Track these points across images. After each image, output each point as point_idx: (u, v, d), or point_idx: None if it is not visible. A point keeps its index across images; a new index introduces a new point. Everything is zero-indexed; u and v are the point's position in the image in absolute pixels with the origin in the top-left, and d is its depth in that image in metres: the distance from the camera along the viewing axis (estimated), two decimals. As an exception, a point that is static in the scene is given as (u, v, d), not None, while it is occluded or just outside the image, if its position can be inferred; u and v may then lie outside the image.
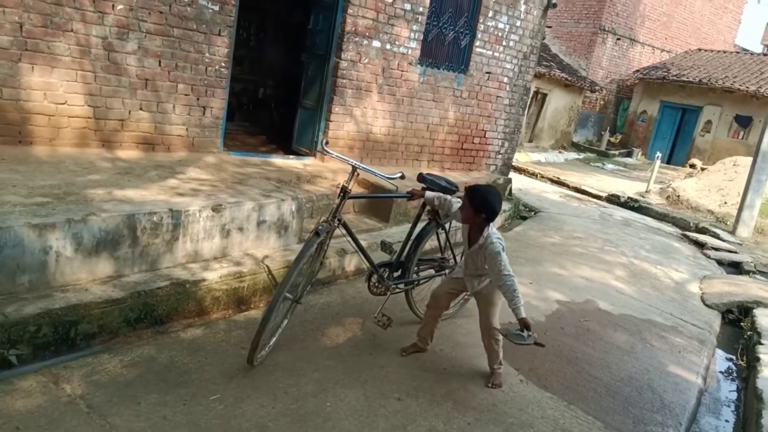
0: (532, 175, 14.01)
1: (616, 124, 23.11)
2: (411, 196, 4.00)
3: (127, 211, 3.71)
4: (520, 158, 14.86)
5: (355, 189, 6.00)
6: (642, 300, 5.97)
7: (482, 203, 3.38)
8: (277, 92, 9.22)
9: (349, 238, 3.72)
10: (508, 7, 7.76)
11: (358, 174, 3.56)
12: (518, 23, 8.00)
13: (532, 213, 9.41)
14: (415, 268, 4.23)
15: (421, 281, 4.38)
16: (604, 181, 14.54)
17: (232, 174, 5.23)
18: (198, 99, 5.30)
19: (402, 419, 3.15)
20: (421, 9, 6.72)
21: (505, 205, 8.46)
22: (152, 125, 5.09)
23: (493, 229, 3.48)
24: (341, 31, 6.15)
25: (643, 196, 12.48)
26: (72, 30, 4.38)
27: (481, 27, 7.50)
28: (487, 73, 7.89)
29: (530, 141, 18.32)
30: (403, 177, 3.73)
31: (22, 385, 2.84)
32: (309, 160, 6.59)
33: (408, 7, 6.57)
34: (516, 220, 8.70)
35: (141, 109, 4.96)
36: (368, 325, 4.14)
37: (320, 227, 3.39)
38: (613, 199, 12.11)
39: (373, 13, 6.29)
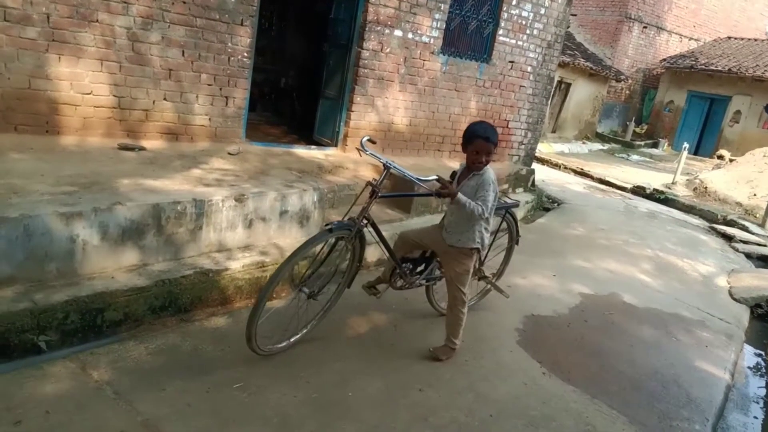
0: (555, 166, 13.84)
1: (642, 114, 22.69)
2: (439, 194, 3.81)
3: (152, 201, 3.74)
4: (543, 149, 14.69)
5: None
6: (668, 293, 5.87)
7: (493, 133, 3.40)
8: (298, 82, 9.22)
9: (377, 239, 3.63)
10: (533, -5, 7.63)
11: (390, 173, 3.48)
12: (542, 11, 7.87)
13: (555, 204, 9.30)
14: (438, 264, 4.18)
15: (443, 277, 4.33)
16: (629, 172, 14.31)
17: (254, 164, 5.25)
18: (221, 89, 5.32)
19: (423, 410, 3.14)
20: (443, -3, 6.65)
21: (528, 197, 8.38)
22: (176, 115, 5.12)
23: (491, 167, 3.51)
24: (363, 21, 6.12)
25: (669, 188, 12.25)
26: (97, 20, 4.42)
27: (504, 15, 7.40)
28: (510, 62, 7.79)
29: (553, 131, 18.08)
30: (438, 180, 3.55)
31: (51, 370, 2.89)
32: (330, 151, 6.59)
33: (431, -5, 6.50)
34: (539, 211, 8.60)
35: (165, 99, 5.00)
36: (389, 316, 4.13)
37: (334, 224, 3.29)
38: (638, 191, 11.91)
39: (395, 2, 6.23)
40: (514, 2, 7.44)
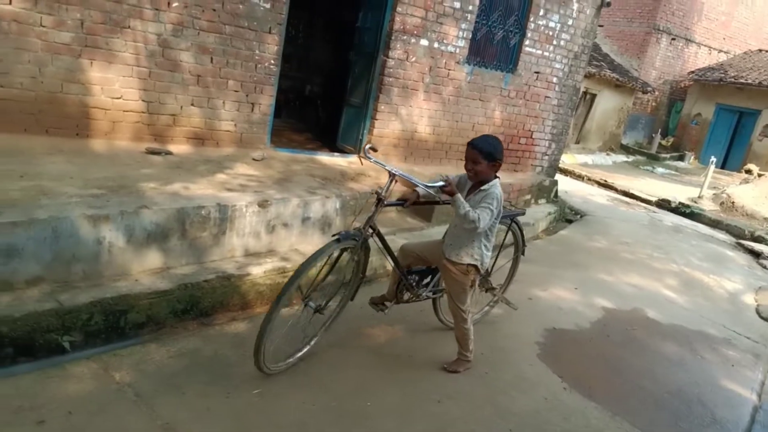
0: (579, 177, 13.70)
1: (668, 126, 22.38)
2: (441, 190, 3.68)
3: (177, 205, 3.79)
4: (567, 160, 14.56)
5: (398, 188, 6.01)
6: (693, 310, 5.76)
7: (496, 149, 3.27)
8: (323, 90, 9.29)
9: (383, 248, 3.52)
10: (560, 6, 7.59)
11: (396, 181, 3.40)
12: (570, 22, 7.83)
13: (578, 216, 9.20)
14: None
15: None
16: (653, 185, 14.10)
17: (278, 170, 5.29)
18: (247, 95, 5.38)
19: (441, 422, 3.12)
20: (470, 7, 6.64)
21: (551, 208, 8.30)
22: (202, 120, 5.19)
23: (498, 182, 3.37)
24: (389, 30, 6.14)
25: (695, 202, 12.04)
26: (129, 27, 4.51)
27: (531, 26, 7.37)
28: (535, 72, 7.74)
29: (577, 142, 17.92)
30: (445, 185, 3.28)
31: (74, 370, 2.93)
32: (353, 158, 6.61)
33: (457, 5, 6.50)
34: (561, 223, 8.51)
35: (192, 104, 5.07)
36: (407, 325, 4.11)
37: (342, 233, 3.21)
38: (663, 204, 11.72)
39: (422, 11, 6.25)
40: (541, 13, 7.41)
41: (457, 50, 6.76)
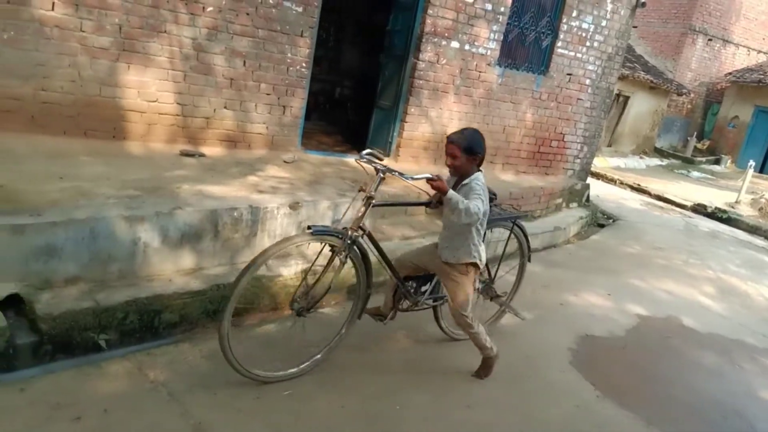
0: (611, 181, 13.46)
1: (704, 129, 21.83)
2: (430, 203, 3.42)
3: (210, 207, 3.84)
4: (598, 163, 14.32)
5: (428, 190, 5.98)
6: (731, 318, 5.60)
7: (475, 142, 3.13)
8: (353, 92, 9.32)
9: (375, 251, 3.29)
10: (594, 7, 7.48)
11: (384, 179, 3.17)
12: (604, 23, 7.70)
13: (611, 221, 9.04)
14: None
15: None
16: (688, 189, 13.77)
17: (308, 172, 5.33)
18: (279, 98, 5.43)
19: (472, 428, 3.09)
20: (502, 9, 6.59)
21: (582, 212, 8.17)
22: (235, 123, 5.26)
23: (482, 174, 3.22)
24: (420, 32, 6.13)
25: (732, 207, 11.72)
26: (165, 31, 4.59)
27: (564, 27, 7.27)
28: (568, 74, 7.64)
29: (609, 145, 17.61)
30: (432, 179, 2.97)
31: (109, 369, 2.99)
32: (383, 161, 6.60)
33: (489, 7, 6.46)
34: (593, 227, 8.37)
35: (225, 107, 5.14)
36: (434, 330, 4.08)
37: (317, 226, 3.01)
38: (699, 209, 11.44)
39: (453, 13, 6.22)
40: (574, 14, 7.30)
41: (488, 52, 6.71)
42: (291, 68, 5.38)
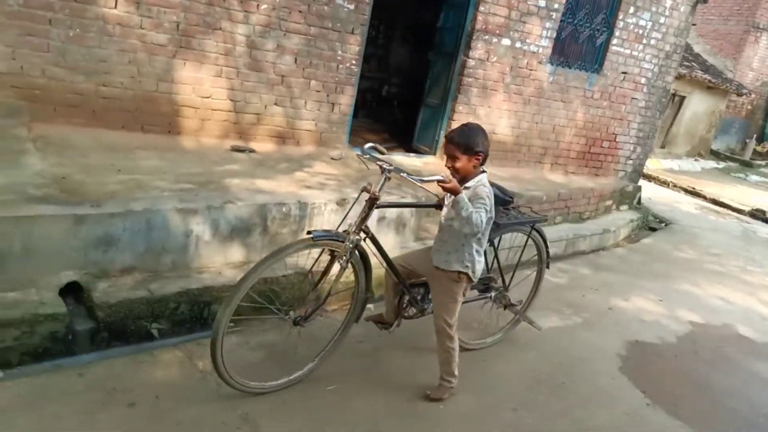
0: (664, 183, 13.03)
1: (764, 131, 20.87)
2: (440, 205, 3.21)
3: (260, 201, 3.90)
4: (651, 165, 13.87)
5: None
6: (792, 330, 5.34)
7: (475, 140, 2.84)
8: (400, 90, 9.31)
9: (380, 258, 3.11)
10: (653, 3, 7.24)
11: (389, 178, 2.96)
12: (662, 20, 7.45)
13: (663, 224, 8.75)
14: None
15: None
16: (746, 193, 13.21)
17: (355, 169, 5.35)
18: (328, 96, 5.47)
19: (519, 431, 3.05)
20: (556, 6, 6.45)
21: (633, 215, 7.95)
22: (285, 120, 5.33)
23: (486, 175, 2.95)
24: (471, 29, 6.07)
25: (795, 213, 11.17)
26: (220, 29, 4.69)
27: (620, 24, 7.07)
28: (622, 73, 7.43)
29: (662, 147, 17.04)
30: (444, 180, 2.79)
31: (161, 357, 3.09)
32: (429, 159, 6.59)
33: (542, 4, 6.34)
34: (644, 231, 8.13)
35: (276, 104, 5.21)
36: (480, 330, 4.05)
37: (318, 232, 2.86)
38: (757, 215, 10.95)
39: (506, 10, 6.13)
40: (631, 10, 7.09)
41: (540, 50, 6.58)
42: (341, 66, 5.41)
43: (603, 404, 3.45)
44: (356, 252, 2.97)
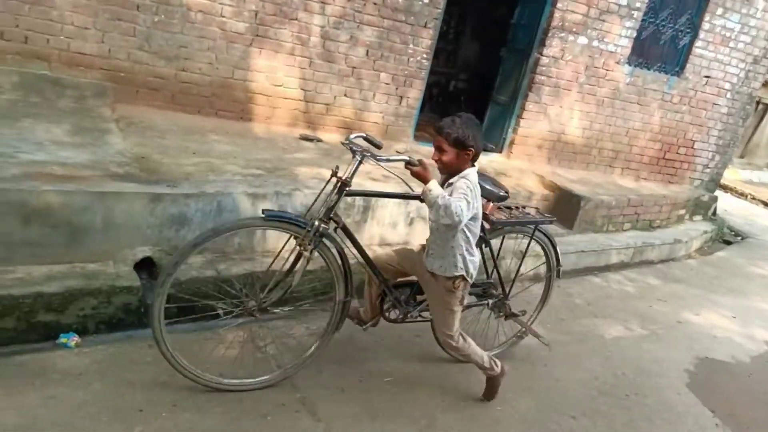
0: (741, 195, 12.33)
1: None
2: (412, 173, 2.65)
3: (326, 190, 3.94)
4: (728, 175, 13.12)
5: (540, 190, 5.80)
6: None
7: (467, 134, 2.52)
8: (467, 86, 9.21)
9: (353, 248, 2.82)
10: (743, 4, 6.84)
11: (362, 162, 2.64)
12: (752, 22, 7.03)
13: (739, 238, 8.28)
14: None
15: None
16: (835, 210, 12.31)
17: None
18: (397, 89, 5.48)
19: (577, 440, 2.96)
20: (638, 5, 6.20)
21: (707, 226, 7.56)
22: (353, 111, 5.37)
23: (474, 170, 2.63)
24: (546, 26, 5.92)
25: None
26: (297, 19, 4.77)
27: (705, 26, 6.72)
28: (705, 77, 7.06)
29: (741, 157, 16.11)
30: (412, 162, 2.56)
31: (225, 336, 3.16)
32: (494, 156, 6.48)
33: (624, 2, 6.10)
34: (718, 243, 7.72)
35: (345, 95, 5.26)
36: (542, 331, 3.95)
37: (273, 211, 2.62)
38: None
39: (584, 7, 5.94)
40: (719, 12, 6.73)
41: (618, 49, 6.35)
42: (411, 59, 5.40)
43: (669, 420, 3.30)
44: (328, 244, 2.69)
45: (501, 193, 3.13)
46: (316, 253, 2.67)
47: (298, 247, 2.64)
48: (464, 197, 2.45)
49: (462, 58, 9.25)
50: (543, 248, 3.52)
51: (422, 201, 2.55)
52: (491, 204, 3.12)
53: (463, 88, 9.25)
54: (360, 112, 5.41)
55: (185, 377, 2.65)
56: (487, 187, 3.04)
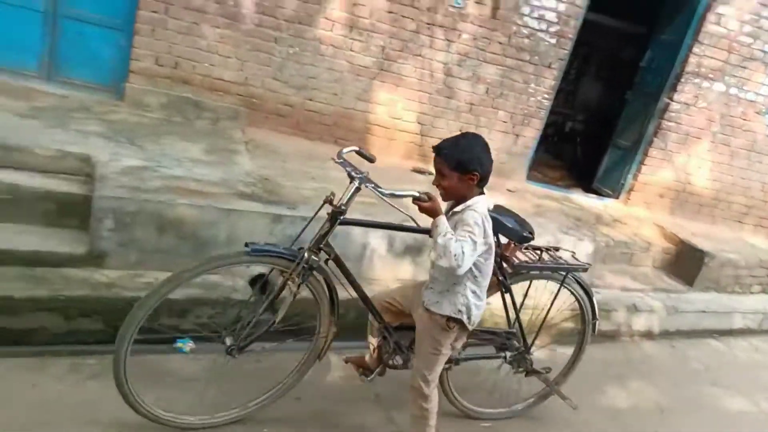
0: None
1: None
2: (419, 207, 2.33)
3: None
4: None
5: (659, 242, 5.45)
6: None
7: (469, 156, 2.24)
8: (584, 127, 8.94)
9: (347, 283, 2.59)
10: None
11: (360, 189, 2.46)
12: None
13: None
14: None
15: (462, 359, 2.85)
16: None
17: (531, 204, 5.23)
18: (513, 127, 5.44)
19: None
20: (785, 51, 5.76)
21: None
22: (467, 147, 5.38)
23: (484, 198, 2.33)
24: (680, 71, 5.64)
25: None
26: (421, 55, 4.92)
27: None
28: None
29: None
30: (420, 198, 2.27)
31: (328, 358, 3.16)
32: (610, 202, 6.22)
33: (768, 48, 5.69)
34: None
35: (460, 131, 5.28)
36: (653, 395, 3.68)
37: (258, 245, 2.31)
38: None
39: (724, 53, 5.61)
40: None
41: (759, 98, 5.90)
42: (532, 98, 5.36)
43: None
44: (316, 276, 2.46)
45: (525, 233, 2.73)
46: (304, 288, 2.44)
47: (282, 279, 2.42)
48: (469, 236, 2.14)
49: (581, 99, 9.01)
50: (577, 299, 3.08)
51: (431, 236, 2.25)
52: (512, 244, 2.78)
53: (579, 130, 8.98)
54: (474, 148, 5.40)
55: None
56: (509, 225, 2.72)
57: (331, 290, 2.56)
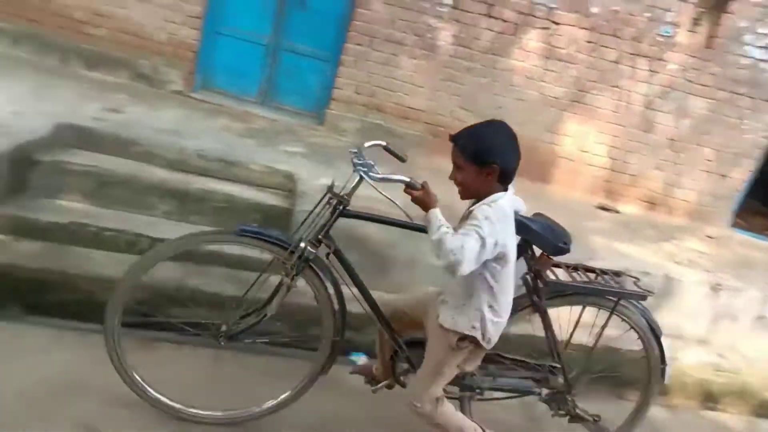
0: None
1: None
2: (413, 199, 2.08)
3: (621, 265, 3.70)
4: None
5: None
6: None
7: (488, 145, 1.91)
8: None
9: (349, 279, 2.29)
10: None
11: (362, 178, 2.17)
12: None
13: None
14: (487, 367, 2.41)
15: (486, 389, 2.39)
16: None
17: (735, 253, 4.69)
18: (719, 166, 4.95)
19: None
20: None
21: None
22: (661, 185, 5.03)
23: (508, 195, 1.97)
24: None
25: None
26: (617, 86, 4.71)
27: None
28: None
29: None
30: (412, 185, 2.02)
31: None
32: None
33: None
34: None
35: (656, 168, 4.96)
36: None
37: (250, 227, 2.16)
38: None
39: None
40: None
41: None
42: (744, 135, 4.84)
43: None
44: (315, 269, 2.24)
45: (559, 244, 2.27)
46: (301, 281, 2.23)
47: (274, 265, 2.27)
48: (475, 230, 1.82)
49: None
50: (638, 334, 2.48)
51: (413, 200, 2.02)
52: (546, 256, 2.36)
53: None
54: (669, 187, 5.01)
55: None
56: (539, 231, 2.28)
57: (338, 289, 2.30)
